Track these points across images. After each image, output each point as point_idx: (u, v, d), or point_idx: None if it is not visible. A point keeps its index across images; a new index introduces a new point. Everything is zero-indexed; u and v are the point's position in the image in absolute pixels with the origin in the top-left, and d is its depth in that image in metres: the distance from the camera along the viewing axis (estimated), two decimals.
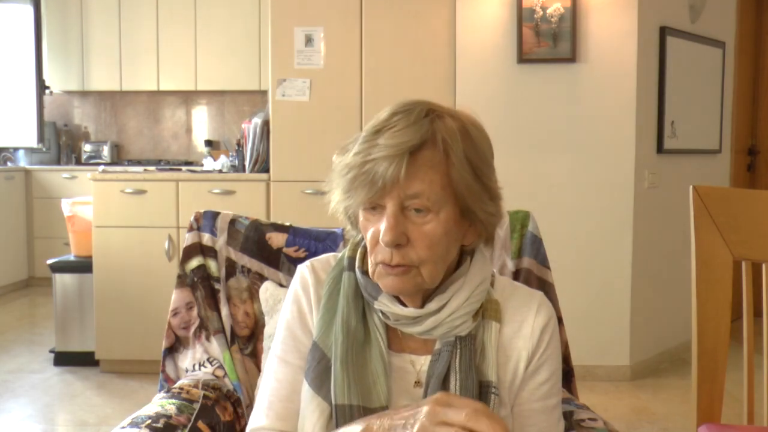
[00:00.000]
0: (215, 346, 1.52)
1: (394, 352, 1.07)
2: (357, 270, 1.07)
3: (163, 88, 6.20)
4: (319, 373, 1.04)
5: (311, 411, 1.03)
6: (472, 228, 1.04)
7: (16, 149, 6.36)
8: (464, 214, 1.01)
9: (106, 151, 6.44)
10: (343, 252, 1.12)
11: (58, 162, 6.45)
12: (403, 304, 1.04)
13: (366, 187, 0.96)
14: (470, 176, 0.98)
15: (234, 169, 3.99)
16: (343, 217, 1.07)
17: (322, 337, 1.06)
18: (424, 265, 0.98)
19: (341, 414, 1.01)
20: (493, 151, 1.04)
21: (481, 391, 1.02)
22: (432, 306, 1.02)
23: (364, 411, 1.00)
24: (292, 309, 1.12)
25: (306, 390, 1.05)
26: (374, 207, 0.98)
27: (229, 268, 1.56)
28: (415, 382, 1.06)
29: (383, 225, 0.96)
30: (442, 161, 0.96)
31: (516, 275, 1.50)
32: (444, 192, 0.97)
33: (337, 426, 1.01)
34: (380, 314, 1.06)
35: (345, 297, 1.07)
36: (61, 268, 3.83)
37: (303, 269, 1.15)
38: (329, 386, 1.03)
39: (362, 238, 1.07)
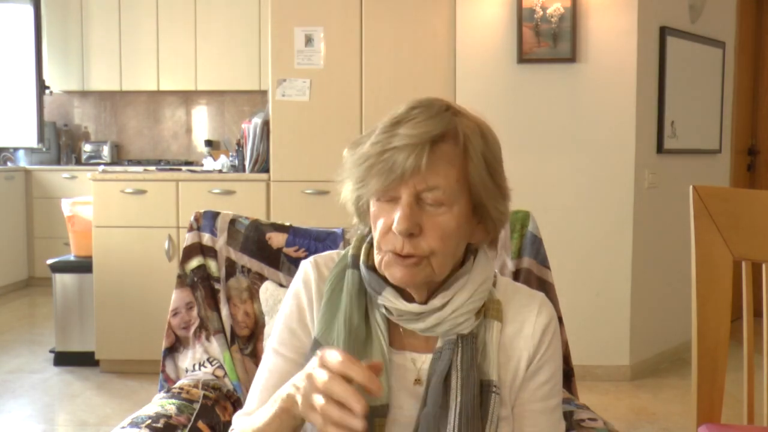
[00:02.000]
0: (215, 346, 1.52)
1: (396, 349, 1.07)
2: (362, 265, 1.08)
3: (163, 88, 6.20)
4: None
5: None
6: (480, 225, 1.05)
7: (16, 149, 6.36)
8: (476, 210, 1.02)
9: (106, 151, 6.44)
10: (347, 249, 1.12)
11: (58, 162, 6.44)
12: (407, 301, 1.04)
13: (383, 176, 0.96)
14: (485, 173, 1.00)
15: (234, 169, 3.99)
16: (352, 208, 1.08)
17: (324, 335, 1.06)
18: (434, 257, 0.99)
19: None
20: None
21: (482, 390, 1.02)
22: (436, 302, 1.02)
23: None
24: (291, 304, 1.13)
25: None
26: (389, 199, 0.99)
27: (229, 268, 1.56)
28: (416, 380, 1.06)
29: (397, 214, 0.97)
30: (460, 156, 0.98)
31: (516, 275, 1.50)
32: (459, 186, 0.98)
33: None
34: (383, 310, 1.06)
35: (348, 294, 1.07)
36: (61, 268, 3.83)
37: (306, 265, 1.15)
38: None
39: (368, 233, 1.07)
